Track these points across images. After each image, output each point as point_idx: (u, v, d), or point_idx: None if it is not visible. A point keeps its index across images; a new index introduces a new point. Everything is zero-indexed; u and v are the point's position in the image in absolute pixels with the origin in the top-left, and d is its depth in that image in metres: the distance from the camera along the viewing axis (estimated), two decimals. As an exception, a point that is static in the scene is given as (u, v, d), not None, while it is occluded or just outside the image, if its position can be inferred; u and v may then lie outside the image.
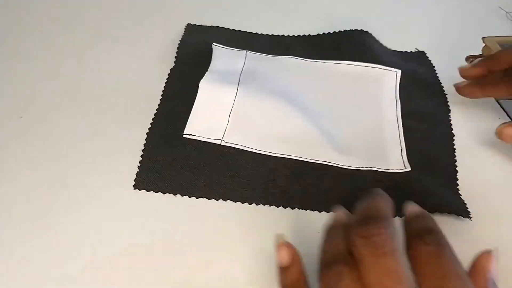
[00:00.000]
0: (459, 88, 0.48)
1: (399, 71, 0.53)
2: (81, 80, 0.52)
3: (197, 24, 0.60)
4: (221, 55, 0.53)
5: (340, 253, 0.27)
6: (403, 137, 0.46)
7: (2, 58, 0.55)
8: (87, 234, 0.38)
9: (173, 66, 0.53)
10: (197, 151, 0.44)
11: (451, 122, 0.50)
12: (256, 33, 0.59)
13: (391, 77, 0.52)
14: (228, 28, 0.60)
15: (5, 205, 0.40)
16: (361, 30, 0.58)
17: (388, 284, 0.24)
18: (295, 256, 0.30)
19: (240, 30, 0.60)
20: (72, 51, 0.56)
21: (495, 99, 0.52)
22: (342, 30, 0.59)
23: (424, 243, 0.26)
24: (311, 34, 0.59)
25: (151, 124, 0.46)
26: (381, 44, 0.59)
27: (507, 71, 0.44)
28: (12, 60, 0.54)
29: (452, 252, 0.26)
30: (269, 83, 0.50)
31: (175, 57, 0.54)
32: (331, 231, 0.30)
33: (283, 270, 0.30)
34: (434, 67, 0.57)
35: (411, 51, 0.60)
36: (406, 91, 0.52)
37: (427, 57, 0.59)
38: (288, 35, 0.60)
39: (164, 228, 0.38)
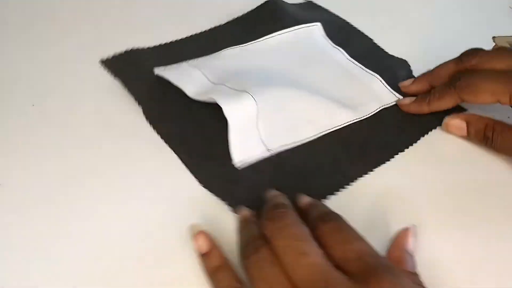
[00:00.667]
0: (403, 106, 0.49)
1: (319, 24, 0.56)
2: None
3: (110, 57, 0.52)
4: (177, 75, 0.48)
5: (255, 235, 0.32)
6: (370, 71, 0.52)
7: (27, 45, 0.55)
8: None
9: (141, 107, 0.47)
10: (255, 173, 0.41)
11: None
12: (171, 41, 0.56)
13: (317, 30, 0.56)
14: (144, 48, 0.54)
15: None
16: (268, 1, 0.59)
17: (295, 244, 0.29)
18: (213, 242, 0.35)
19: (156, 45, 0.55)
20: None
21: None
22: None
23: (324, 222, 0.32)
24: (222, 24, 0.58)
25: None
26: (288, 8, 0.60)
27: (448, 82, 0.46)
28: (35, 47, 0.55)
29: (349, 224, 0.32)
30: (244, 76, 0.48)
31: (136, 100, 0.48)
32: (243, 224, 0.35)
33: (205, 257, 0.34)
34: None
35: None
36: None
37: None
38: (205, 31, 0.57)
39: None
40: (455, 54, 0.47)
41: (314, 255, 0.29)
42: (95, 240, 0.36)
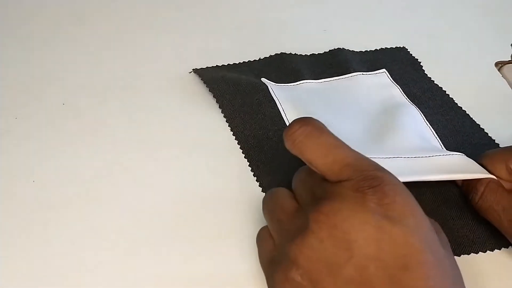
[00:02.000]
0: None
1: (383, 70, 0.55)
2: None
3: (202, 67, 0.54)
4: (281, 93, 0.50)
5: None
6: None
7: (56, 44, 0.57)
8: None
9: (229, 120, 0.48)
10: None
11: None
12: (253, 60, 0.56)
13: (383, 76, 0.55)
14: (233, 64, 0.55)
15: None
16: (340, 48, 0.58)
17: None
18: None
19: (241, 62, 0.56)
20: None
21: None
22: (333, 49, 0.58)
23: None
24: (307, 54, 0.58)
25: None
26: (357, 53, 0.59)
27: None
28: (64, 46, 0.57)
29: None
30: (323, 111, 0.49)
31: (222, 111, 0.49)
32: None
33: None
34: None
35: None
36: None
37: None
38: (290, 53, 0.57)
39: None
40: (473, 62, 0.48)
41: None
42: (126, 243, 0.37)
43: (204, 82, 0.51)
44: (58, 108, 0.48)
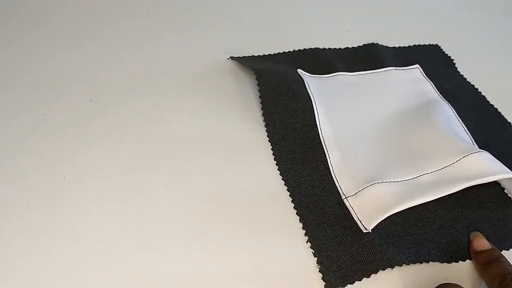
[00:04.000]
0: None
1: (416, 65, 0.56)
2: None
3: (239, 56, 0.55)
4: (314, 85, 0.51)
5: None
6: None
7: (81, 42, 0.57)
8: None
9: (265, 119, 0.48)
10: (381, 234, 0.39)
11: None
12: (288, 51, 0.57)
13: (416, 72, 0.55)
14: (268, 54, 0.56)
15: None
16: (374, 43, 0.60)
17: None
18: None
19: (276, 53, 0.56)
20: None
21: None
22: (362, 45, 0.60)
23: None
24: (341, 47, 0.59)
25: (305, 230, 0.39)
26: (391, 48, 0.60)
27: None
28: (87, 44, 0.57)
29: None
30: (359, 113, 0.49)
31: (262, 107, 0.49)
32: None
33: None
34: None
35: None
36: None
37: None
38: (324, 48, 0.58)
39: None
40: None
41: None
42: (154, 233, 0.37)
43: (246, 65, 0.52)
44: (86, 105, 0.48)
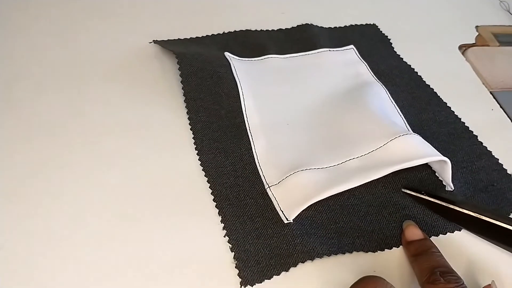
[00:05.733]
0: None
1: (351, 46, 0.54)
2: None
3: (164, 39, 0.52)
4: (242, 68, 0.48)
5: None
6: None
7: None
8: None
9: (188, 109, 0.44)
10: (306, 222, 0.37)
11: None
12: (217, 34, 0.54)
13: (350, 53, 0.53)
14: (195, 37, 0.53)
15: None
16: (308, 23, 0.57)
17: None
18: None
19: (204, 36, 0.53)
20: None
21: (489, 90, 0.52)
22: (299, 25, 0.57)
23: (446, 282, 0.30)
24: (274, 29, 0.56)
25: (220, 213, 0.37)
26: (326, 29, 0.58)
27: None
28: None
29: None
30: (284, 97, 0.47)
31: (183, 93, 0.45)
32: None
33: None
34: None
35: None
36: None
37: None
38: (256, 30, 0.55)
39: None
40: (436, 45, 0.46)
41: None
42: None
43: (168, 49, 0.49)
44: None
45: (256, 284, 0.32)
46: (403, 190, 0.37)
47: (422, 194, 0.38)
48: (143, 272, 0.33)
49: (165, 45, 0.50)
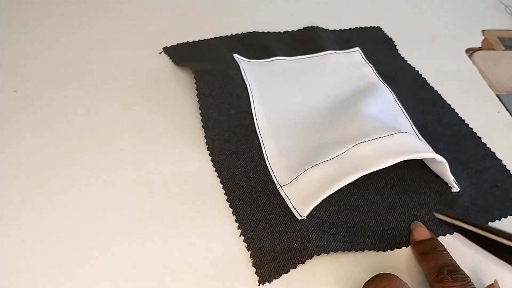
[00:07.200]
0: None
1: (357, 48, 0.55)
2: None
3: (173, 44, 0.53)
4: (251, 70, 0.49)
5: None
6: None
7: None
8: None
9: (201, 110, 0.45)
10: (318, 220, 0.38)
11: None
12: (225, 36, 0.55)
13: (356, 55, 0.54)
14: (204, 39, 0.54)
15: None
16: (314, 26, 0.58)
17: None
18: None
19: (212, 38, 0.54)
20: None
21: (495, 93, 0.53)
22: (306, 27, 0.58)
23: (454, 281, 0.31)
24: (280, 31, 0.57)
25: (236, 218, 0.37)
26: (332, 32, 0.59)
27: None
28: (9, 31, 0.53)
29: None
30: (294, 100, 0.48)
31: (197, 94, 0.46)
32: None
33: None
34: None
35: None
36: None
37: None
38: (262, 32, 0.56)
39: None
40: (444, 49, 0.46)
41: None
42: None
43: (175, 63, 0.50)
44: (9, 97, 0.45)
45: (274, 280, 0.33)
46: (435, 214, 0.35)
47: (458, 220, 0.34)
48: (159, 271, 0.33)
49: (176, 58, 0.51)
